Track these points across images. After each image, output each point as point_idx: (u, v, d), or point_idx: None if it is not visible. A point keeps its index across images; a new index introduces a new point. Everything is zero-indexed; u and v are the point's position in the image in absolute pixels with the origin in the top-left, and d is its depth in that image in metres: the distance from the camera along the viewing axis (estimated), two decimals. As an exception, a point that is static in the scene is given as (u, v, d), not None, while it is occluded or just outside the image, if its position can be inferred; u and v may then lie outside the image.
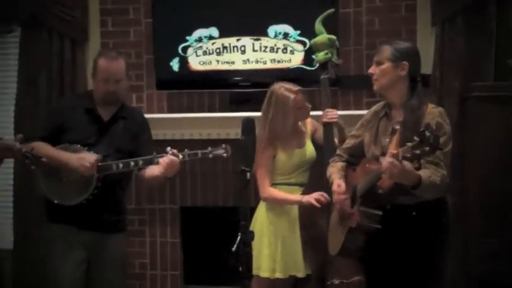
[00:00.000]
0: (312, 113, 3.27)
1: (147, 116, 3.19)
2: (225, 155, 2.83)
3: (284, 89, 3.07)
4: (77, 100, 3.06)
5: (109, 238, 2.91)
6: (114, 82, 2.85)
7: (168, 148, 2.73)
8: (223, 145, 2.85)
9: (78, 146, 2.79)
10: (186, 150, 2.76)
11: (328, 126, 3.12)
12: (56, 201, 2.80)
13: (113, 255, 2.93)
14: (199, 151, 2.79)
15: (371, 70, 2.58)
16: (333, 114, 3.11)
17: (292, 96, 3.05)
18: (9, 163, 4.00)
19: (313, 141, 3.24)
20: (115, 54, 2.97)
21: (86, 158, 2.71)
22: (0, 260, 4.28)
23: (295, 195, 3.08)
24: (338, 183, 2.65)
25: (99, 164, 2.73)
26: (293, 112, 3.06)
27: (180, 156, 2.71)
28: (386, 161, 2.23)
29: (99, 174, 2.74)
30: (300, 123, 3.21)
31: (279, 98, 3.06)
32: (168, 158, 2.67)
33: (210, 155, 2.81)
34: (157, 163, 2.73)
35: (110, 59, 2.88)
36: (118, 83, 2.86)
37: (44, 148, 2.75)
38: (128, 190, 3.10)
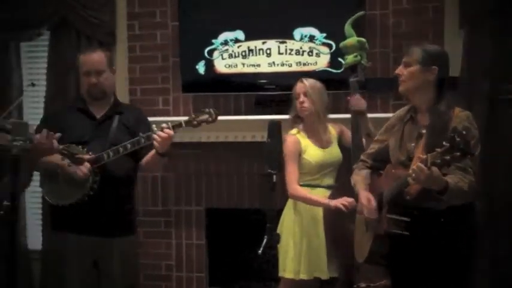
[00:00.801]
0: (338, 116, 3.27)
1: (173, 118, 3.20)
2: (210, 119, 2.80)
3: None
4: (69, 103, 3.10)
5: (115, 241, 2.86)
6: (96, 74, 2.86)
7: (153, 125, 2.72)
8: (207, 109, 2.81)
9: (74, 145, 2.78)
10: (169, 123, 2.73)
11: (355, 116, 3.10)
12: (55, 203, 2.80)
13: (119, 260, 2.87)
14: (182, 120, 2.76)
15: (398, 71, 2.55)
16: (361, 102, 3.09)
17: (295, 84, 3.17)
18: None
19: (340, 144, 3.24)
20: (94, 47, 3.03)
21: (82, 168, 2.70)
22: (30, 261, 4.35)
23: (323, 198, 3.07)
24: (367, 197, 2.59)
25: (91, 157, 2.72)
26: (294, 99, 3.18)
27: (171, 131, 2.68)
28: (414, 166, 2.20)
29: (93, 165, 2.73)
30: (329, 125, 3.20)
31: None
32: (163, 133, 2.65)
33: (195, 122, 2.77)
34: (145, 142, 2.72)
35: (88, 52, 2.93)
36: (99, 75, 2.87)
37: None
38: (132, 190, 3.04)
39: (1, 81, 4.25)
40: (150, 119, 3.09)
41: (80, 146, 2.79)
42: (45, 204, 4.23)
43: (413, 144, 2.48)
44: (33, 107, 4.42)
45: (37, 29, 4.22)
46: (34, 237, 4.37)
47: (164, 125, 2.69)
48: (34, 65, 4.44)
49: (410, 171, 2.24)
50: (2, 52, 4.26)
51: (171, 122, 2.75)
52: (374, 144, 2.79)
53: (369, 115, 3.34)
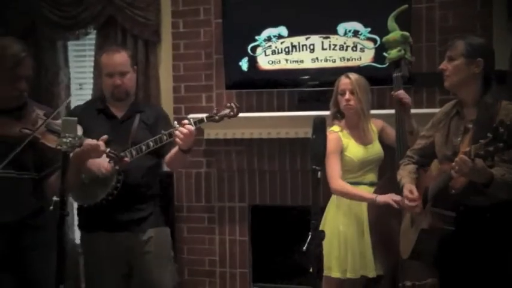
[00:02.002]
0: (380, 111, 3.22)
1: (216, 115, 3.21)
2: (231, 113, 2.78)
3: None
4: (89, 104, 3.09)
5: (144, 235, 2.87)
6: (119, 75, 2.84)
7: (175, 122, 2.71)
8: (228, 104, 2.79)
9: None
10: (190, 118, 2.70)
11: (398, 110, 3.06)
12: (80, 203, 2.83)
13: (151, 252, 2.88)
14: (204, 116, 2.74)
15: (443, 66, 2.51)
16: (405, 96, 3.05)
17: (340, 79, 3.16)
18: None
19: (381, 141, 3.20)
20: (117, 47, 2.99)
21: (100, 162, 2.70)
22: (77, 254, 4.44)
23: (369, 193, 3.04)
24: (410, 189, 2.58)
25: (113, 155, 2.70)
26: (336, 95, 3.16)
27: (192, 127, 2.66)
28: (458, 158, 2.17)
29: (116, 165, 2.72)
30: (372, 122, 3.17)
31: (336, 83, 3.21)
32: (184, 129, 2.63)
33: (216, 117, 2.75)
34: (167, 139, 2.70)
35: (111, 53, 2.89)
36: (123, 76, 2.85)
37: None
38: (156, 185, 3.03)
39: (49, 80, 4.36)
40: (192, 115, 3.09)
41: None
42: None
43: (459, 139, 2.45)
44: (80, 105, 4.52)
45: (84, 29, 4.30)
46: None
47: (185, 121, 2.68)
48: (81, 63, 4.55)
49: (454, 163, 2.21)
50: (50, 51, 4.37)
51: (193, 117, 2.74)
52: (420, 139, 2.76)
53: (416, 110, 3.30)
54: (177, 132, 2.64)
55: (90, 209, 2.82)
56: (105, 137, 2.50)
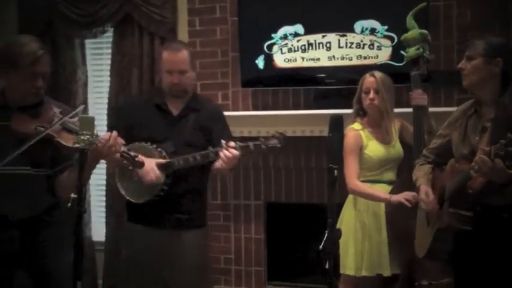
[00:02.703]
0: (397, 110, 3.20)
1: (232, 113, 3.21)
2: (279, 145, 2.77)
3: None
4: (146, 96, 3.08)
5: (185, 235, 2.88)
6: (178, 73, 2.83)
7: (223, 141, 2.70)
8: (276, 134, 2.78)
9: (149, 144, 2.80)
10: (237, 142, 2.71)
11: (416, 110, 3.04)
12: (129, 199, 2.84)
13: (189, 252, 2.89)
14: (251, 143, 2.74)
15: (461, 65, 2.49)
16: (422, 96, 3.03)
17: (364, 77, 3.13)
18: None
19: (401, 140, 3.19)
20: (178, 45, 2.98)
21: (149, 172, 2.71)
22: (94, 251, 4.49)
23: (384, 193, 3.03)
24: (425, 192, 2.57)
25: (163, 162, 2.73)
26: (360, 92, 3.14)
27: (237, 152, 2.67)
28: (477, 158, 2.15)
29: (164, 171, 2.74)
30: (393, 121, 3.17)
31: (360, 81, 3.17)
32: (229, 153, 2.66)
33: (263, 146, 2.75)
34: (214, 158, 2.72)
35: (173, 51, 2.88)
36: (182, 75, 2.84)
37: None
38: (205, 187, 3.05)
39: (67, 78, 4.39)
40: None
41: (154, 145, 2.80)
42: (108, 197, 4.37)
43: (477, 138, 2.42)
44: (97, 102, 4.56)
45: (101, 26, 4.33)
46: (98, 229, 4.51)
47: (232, 143, 2.69)
48: (98, 61, 4.58)
49: (473, 163, 2.19)
50: (68, 49, 4.40)
51: (240, 140, 2.75)
52: (436, 139, 2.74)
53: (434, 109, 3.27)
54: (221, 154, 2.67)
55: (138, 203, 2.85)
56: (114, 133, 2.50)
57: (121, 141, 2.52)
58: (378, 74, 3.12)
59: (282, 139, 2.77)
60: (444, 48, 3.69)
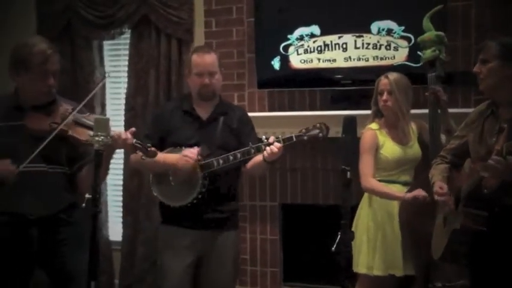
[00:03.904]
0: (414, 111, 3.18)
1: (248, 114, 3.22)
2: (320, 135, 2.77)
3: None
4: (175, 103, 3.13)
5: (220, 236, 2.92)
6: (208, 75, 2.87)
7: (263, 137, 2.74)
8: (318, 124, 2.78)
9: (183, 148, 2.85)
10: (279, 136, 2.74)
11: (432, 108, 3.03)
12: (168, 204, 2.87)
13: (223, 253, 2.93)
14: (293, 135, 2.76)
15: (476, 68, 2.47)
16: (441, 92, 3.01)
17: (380, 79, 3.13)
18: (120, 159, 4.22)
19: (420, 141, 3.17)
20: (207, 48, 3.03)
21: (186, 153, 2.78)
22: (111, 251, 4.52)
23: (399, 192, 3.03)
24: (440, 185, 2.56)
25: (202, 162, 2.78)
26: (376, 94, 3.14)
27: (280, 145, 2.71)
28: (490, 160, 2.13)
29: (203, 171, 2.79)
30: (412, 123, 3.16)
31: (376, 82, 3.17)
32: (275, 148, 2.69)
33: (305, 137, 2.76)
34: (255, 153, 2.76)
35: (202, 53, 2.93)
36: (212, 76, 2.88)
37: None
38: (237, 188, 3.08)
39: (85, 78, 4.43)
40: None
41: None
42: (125, 197, 4.40)
43: (494, 139, 2.39)
44: (114, 103, 4.60)
45: (119, 28, 4.36)
46: (115, 229, 4.54)
47: (272, 138, 2.72)
48: (116, 62, 4.62)
49: (483, 166, 2.16)
50: (86, 50, 4.44)
51: (282, 134, 2.77)
52: (454, 139, 2.73)
53: (451, 110, 3.24)
54: (267, 149, 2.71)
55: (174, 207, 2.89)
56: (132, 129, 2.54)
57: (131, 130, 2.54)
58: (392, 75, 3.12)
59: (324, 129, 2.77)
60: (462, 49, 3.66)
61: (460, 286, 2.73)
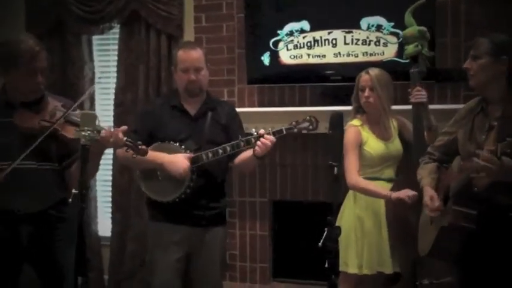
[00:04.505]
0: (403, 107, 3.19)
1: (238, 110, 3.21)
2: (310, 127, 2.78)
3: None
4: (163, 99, 3.15)
5: (208, 232, 2.93)
6: (194, 71, 2.87)
7: (253, 129, 2.74)
8: (308, 117, 2.79)
9: (171, 142, 2.85)
10: (269, 129, 2.74)
11: (416, 107, 3.02)
12: (155, 199, 2.88)
13: (212, 249, 2.94)
14: (283, 127, 2.76)
15: (467, 65, 2.47)
16: (421, 93, 3.01)
17: (360, 75, 3.12)
18: (109, 154, 4.21)
19: (401, 137, 3.17)
20: (193, 44, 3.03)
21: (178, 164, 2.76)
22: (100, 246, 4.50)
23: (384, 190, 3.01)
24: (431, 196, 2.54)
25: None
26: (357, 90, 3.13)
27: (273, 138, 2.71)
28: (483, 156, 2.12)
29: (192, 165, 2.78)
30: (392, 118, 3.14)
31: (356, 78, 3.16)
32: (267, 141, 2.69)
33: (295, 129, 2.76)
34: (244, 146, 2.76)
35: (188, 49, 2.92)
36: (198, 72, 2.88)
37: None
38: (225, 183, 3.08)
39: (75, 74, 4.41)
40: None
41: (177, 143, 2.85)
42: (114, 193, 4.39)
43: (483, 136, 2.39)
44: (103, 98, 4.58)
45: (108, 23, 4.33)
46: (103, 224, 4.53)
47: (262, 130, 2.72)
48: (105, 57, 4.59)
49: (480, 161, 2.16)
50: (76, 46, 4.41)
51: (271, 127, 2.76)
52: (442, 136, 2.71)
53: (440, 106, 3.25)
54: (258, 142, 2.70)
55: (161, 201, 2.88)
56: (123, 127, 2.52)
57: (123, 128, 2.53)
58: (373, 71, 3.11)
59: (314, 122, 2.78)
60: (451, 45, 3.66)
61: (446, 283, 2.74)
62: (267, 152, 2.74)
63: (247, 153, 2.84)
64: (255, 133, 2.72)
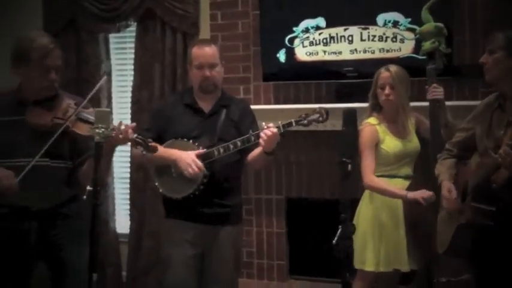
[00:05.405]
0: (420, 103, 3.16)
1: (254, 107, 3.20)
2: (320, 119, 2.74)
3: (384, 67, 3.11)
4: (176, 96, 3.15)
5: (221, 230, 2.91)
6: (208, 67, 2.86)
7: (263, 123, 2.72)
8: (318, 109, 2.76)
9: (185, 140, 2.85)
10: (279, 122, 2.71)
11: (433, 104, 2.99)
12: (168, 196, 2.88)
13: (225, 248, 2.92)
14: (292, 120, 2.73)
15: (483, 59, 2.46)
16: (438, 90, 2.98)
17: (380, 72, 3.09)
18: (127, 151, 4.23)
19: (418, 135, 3.14)
20: (207, 41, 3.02)
21: (188, 160, 2.75)
22: (118, 243, 4.54)
23: (400, 190, 2.99)
24: (448, 188, 2.53)
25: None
26: (375, 87, 3.10)
27: (275, 130, 2.67)
28: (504, 150, 2.10)
29: (203, 161, 2.78)
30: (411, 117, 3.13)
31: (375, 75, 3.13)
32: (269, 131, 2.66)
33: (305, 121, 2.73)
34: (255, 140, 2.73)
35: (202, 45, 2.92)
36: (212, 69, 2.87)
37: None
38: (240, 181, 3.07)
39: (91, 72, 4.44)
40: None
41: (190, 141, 2.85)
42: (132, 190, 4.41)
43: (501, 132, 2.37)
44: (120, 96, 4.60)
45: (124, 21, 4.36)
46: (122, 222, 4.56)
47: (271, 124, 2.69)
48: (122, 55, 4.62)
49: (497, 155, 2.14)
50: (92, 44, 4.44)
51: (281, 121, 2.74)
52: (460, 132, 2.71)
53: (458, 103, 3.22)
54: (261, 134, 2.68)
55: (176, 199, 2.88)
56: (132, 124, 2.53)
57: (132, 125, 2.53)
58: (393, 68, 3.08)
59: (324, 114, 2.74)
60: (469, 41, 3.62)
61: (464, 281, 2.71)
62: (272, 144, 2.70)
63: (258, 149, 2.82)
64: (265, 127, 2.70)
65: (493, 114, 2.47)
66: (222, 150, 2.78)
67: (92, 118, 2.39)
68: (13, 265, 2.54)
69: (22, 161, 2.43)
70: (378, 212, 3.07)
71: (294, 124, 2.72)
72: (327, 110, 2.75)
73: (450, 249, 2.55)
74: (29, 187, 2.47)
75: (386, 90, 3.05)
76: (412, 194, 2.89)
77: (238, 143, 2.77)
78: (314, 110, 2.75)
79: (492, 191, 2.31)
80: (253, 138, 2.74)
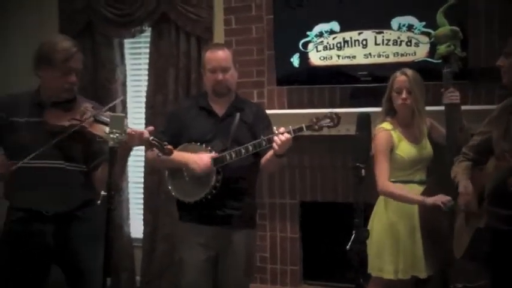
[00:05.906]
0: (435, 108, 3.13)
1: (267, 111, 3.20)
2: (331, 124, 2.73)
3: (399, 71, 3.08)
4: (191, 100, 3.16)
5: (234, 234, 2.91)
6: (221, 71, 2.87)
7: (274, 128, 2.71)
8: (329, 113, 2.74)
9: (198, 144, 2.86)
10: (290, 126, 2.70)
11: (449, 108, 2.97)
12: (181, 199, 2.89)
13: (237, 251, 2.92)
14: (303, 125, 2.72)
15: (500, 62, 2.44)
16: (454, 94, 2.95)
17: (395, 76, 3.06)
18: (141, 156, 4.25)
19: (430, 139, 3.11)
20: (220, 45, 3.02)
21: (199, 163, 2.77)
22: (132, 248, 4.55)
23: (417, 196, 2.96)
24: (465, 185, 2.51)
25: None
26: (390, 91, 3.07)
27: (289, 135, 2.67)
28: None
29: (216, 166, 2.78)
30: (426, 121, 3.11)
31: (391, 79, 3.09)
32: (283, 137, 2.65)
33: (316, 126, 2.72)
34: (266, 145, 2.73)
35: (215, 49, 2.94)
36: (225, 72, 2.88)
37: None
38: (254, 184, 3.06)
39: (106, 77, 4.47)
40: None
41: (203, 145, 2.85)
42: (146, 194, 4.43)
43: None
44: (135, 101, 4.63)
45: (139, 26, 4.38)
46: (136, 226, 4.57)
47: (282, 129, 2.69)
48: (137, 60, 4.64)
49: None
50: (107, 49, 4.48)
51: (292, 125, 2.73)
52: (477, 136, 2.68)
53: (474, 107, 3.19)
54: (275, 139, 2.68)
55: (187, 203, 2.90)
56: (150, 128, 2.54)
57: (150, 128, 2.55)
58: (409, 72, 3.05)
59: (335, 118, 2.73)
60: (485, 44, 3.59)
61: (481, 287, 2.68)
62: (283, 149, 2.70)
63: (270, 152, 2.81)
64: (277, 132, 2.70)
65: (510, 118, 2.45)
66: (234, 155, 2.79)
67: (108, 120, 2.41)
68: (30, 268, 2.56)
69: (38, 162, 2.45)
70: (393, 219, 3.04)
71: (304, 129, 2.72)
72: (338, 115, 2.74)
73: (467, 254, 2.53)
74: (45, 189, 2.50)
75: (403, 94, 3.02)
76: (431, 199, 2.85)
77: (250, 148, 2.77)
78: (325, 115, 2.74)
79: (509, 195, 2.29)
80: (264, 143, 2.75)
